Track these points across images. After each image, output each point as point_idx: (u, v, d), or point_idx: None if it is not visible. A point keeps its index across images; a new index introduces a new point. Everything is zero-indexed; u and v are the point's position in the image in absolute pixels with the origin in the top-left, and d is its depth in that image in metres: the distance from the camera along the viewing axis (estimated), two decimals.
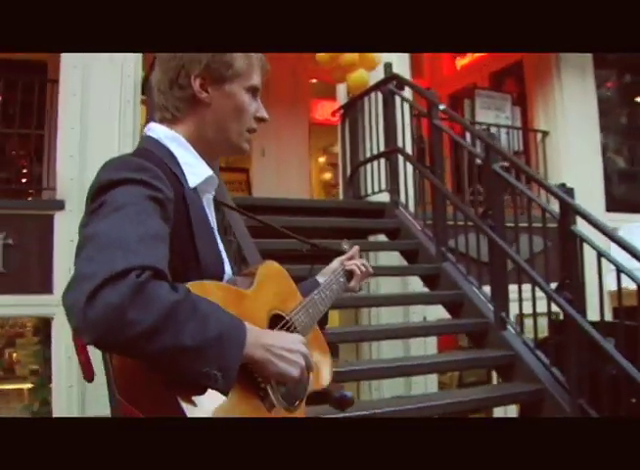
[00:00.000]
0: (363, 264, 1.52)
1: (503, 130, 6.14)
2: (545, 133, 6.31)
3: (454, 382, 6.71)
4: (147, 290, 0.80)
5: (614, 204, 6.70)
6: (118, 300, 0.77)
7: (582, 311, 3.03)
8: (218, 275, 1.08)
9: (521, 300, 3.40)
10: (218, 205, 1.26)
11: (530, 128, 6.43)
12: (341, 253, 1.55)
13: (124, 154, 1.07)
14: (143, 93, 4.32)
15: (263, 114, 1.17)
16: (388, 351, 4.57)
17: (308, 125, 7.56)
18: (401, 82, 4.25)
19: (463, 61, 7.87)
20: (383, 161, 4.63)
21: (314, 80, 7.64)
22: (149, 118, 4.22)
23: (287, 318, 1.13)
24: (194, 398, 0.86)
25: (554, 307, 3.15)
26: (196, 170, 1.10)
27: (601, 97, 7.27)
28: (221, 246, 1.14)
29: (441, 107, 3.78)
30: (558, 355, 3.16)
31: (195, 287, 0.90)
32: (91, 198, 0.94)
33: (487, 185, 3.55)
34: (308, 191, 7.57)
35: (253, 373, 0.96)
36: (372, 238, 4.77)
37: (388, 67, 4.47)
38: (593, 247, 2.97)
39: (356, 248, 1.56)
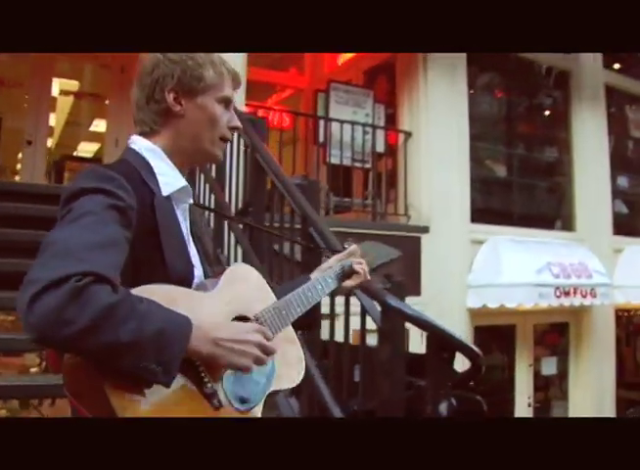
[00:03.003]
0: (360, 263, 1.50)
1: (362, 129, 5.69)
2: (408, 134, 5.89)
3: None
4: (85, 293, 0.87)
5: (482, 214, 6.29)
6: (55, 303, 0.85)
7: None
8: (187, 280, 1.14)
9: None
10: (199, 207, 1.47)
11: (390, 127, 6.00)
12: (336, 251, 1.52)
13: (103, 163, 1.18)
14: None
15: (236, 123, 1.23)
16: None
17: None
18: None
19: (345, 57, 7.41)
20: None
21: None
22: None
23: (252, 319, 1.17)
24: (129, 393, 0.94)
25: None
26: (169, 180, 1.16)
27: (483, 102, 6.92)
28: (192, 252, 1.20)
29: None
30: None
31: (145, 291, 0.97)
32: (62, 204, 1.01)
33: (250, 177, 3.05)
34: None
35: (200, 372, 1.02)
36: None
37: None
38: None
39: (354, 246, 1.54)
